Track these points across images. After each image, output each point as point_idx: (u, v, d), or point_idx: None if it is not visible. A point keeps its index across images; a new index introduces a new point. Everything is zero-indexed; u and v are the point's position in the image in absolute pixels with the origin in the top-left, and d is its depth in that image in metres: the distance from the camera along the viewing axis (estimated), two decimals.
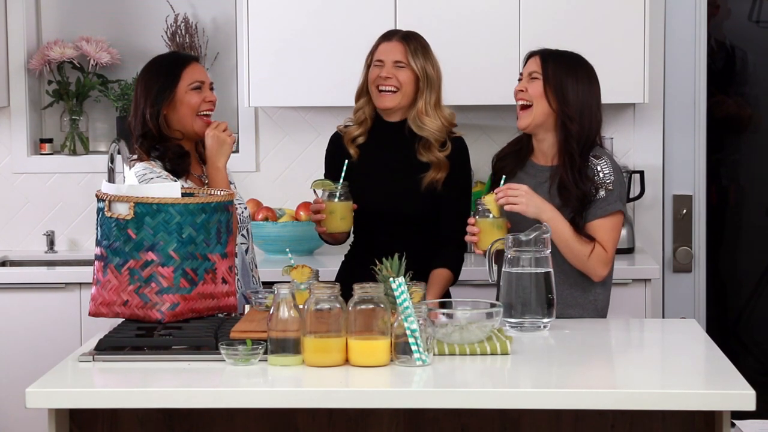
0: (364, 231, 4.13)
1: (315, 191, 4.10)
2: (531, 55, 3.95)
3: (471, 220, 3.81)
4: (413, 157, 4.09)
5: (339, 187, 3.97)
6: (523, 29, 4.96)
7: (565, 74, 3.87)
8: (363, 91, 4.14)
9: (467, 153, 4.17)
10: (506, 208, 3.76)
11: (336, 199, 3.96)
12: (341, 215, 3.97)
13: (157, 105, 3.93)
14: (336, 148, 4.17)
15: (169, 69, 3.99)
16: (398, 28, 4.88)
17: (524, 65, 3.97)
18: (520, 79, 3.95)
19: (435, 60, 4.12)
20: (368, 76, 4.11)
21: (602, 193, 3.84)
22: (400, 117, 4.11)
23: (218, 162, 3.96)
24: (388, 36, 4.12)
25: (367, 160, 4.10)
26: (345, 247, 4.31)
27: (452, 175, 4.10)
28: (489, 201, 3.76)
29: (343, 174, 3.98)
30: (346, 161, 4.02)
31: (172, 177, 3.89)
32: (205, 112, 3.99)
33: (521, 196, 3.76)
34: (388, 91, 4.05)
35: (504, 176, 3.87)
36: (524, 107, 3.90)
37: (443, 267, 4.09)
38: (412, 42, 4.09)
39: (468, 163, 4.17)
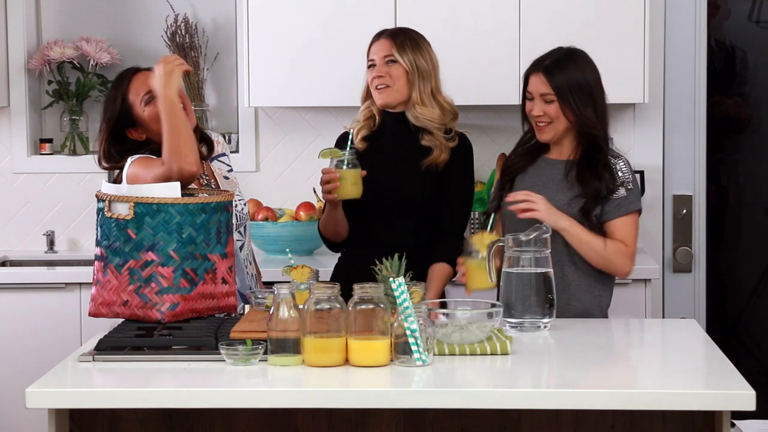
0: (362, 224, 4.13)
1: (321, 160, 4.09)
2: (533, 72, 3.95)
3: (460, 260, 3.83)
4: (416, 144, 4.11)
5: (348, 154, 3.97)
6: (523, 29, 4.96)
7: (575, 85, 3.91)
8: (367, 94, 4.19)
9: (471, 149, 4.20)
10: (526, 215, 3.77)
11: (346, 166, 3.97)
12: (352, 181, 3.97)
13: (126, 144, 3.80)
14: (340, 147, 4.17)
15: (114, 103, 3.81)
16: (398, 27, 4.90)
17: (525, 82, 3.99)
18: (529, 98, 3.96)
19: (427, 51, 4.15)
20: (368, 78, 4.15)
21: (622, 191, 3.89)
22: (402, 110, 4.13)
23: (165, 89, 3.65)
24: (378, 35, 4.17)
25: (372, 150, 4.12)
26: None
27: (455, 168, 4.12)
28: (477, 241, 3.74)
29: (349, 143, 4.00)
30: (351, 131, 4.04)
31: None
32: None
33: (540, 203, 3.79)
34: (383, 87, 4.09)
35: (492, 214, 3.87)
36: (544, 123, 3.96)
37: (443, 261, 4.09)
38: (399, 37, 4.13)
39: (471, 159, 4.19)
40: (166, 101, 3.65)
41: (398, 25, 4.87)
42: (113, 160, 3.86)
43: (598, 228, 3.88)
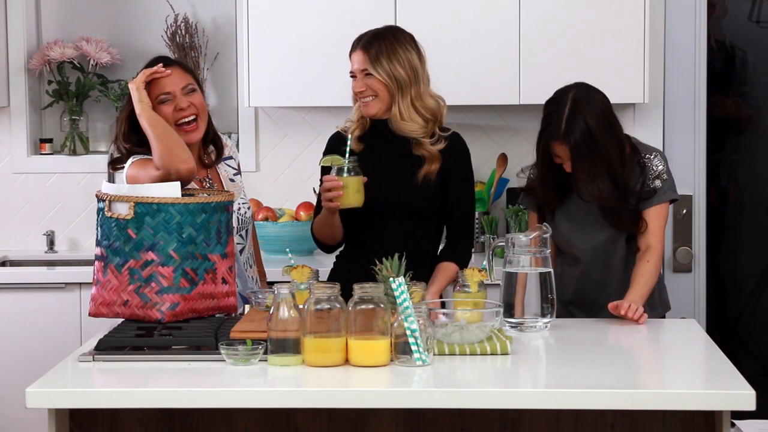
0: (359, 229, 4.12)
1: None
2: (555, 142, 3.91)
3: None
4: (408, 152, 4.08)
5: (350, 162, 3.93)
6: (523, 29, 4.96)
7: (595, 159, 3.91)
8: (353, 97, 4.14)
9: (465, 146, 4.13)
10: (641, 321, 3.81)
11: (348, 174, 3.92)
12: (355, 189, 3.92)
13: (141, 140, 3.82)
14: (335, 149, 4.13)
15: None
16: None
17: (547, 146, 3.94)
18: (554, 153, 3.95)
19: (405, 55, 4.02)
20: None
21: (658, 183, 4.03)
22: (388, 116, 4.10)
23: (137, 109, 3.77)
24: (354, 45, 4.08)
25: (366, 156, 4.08)
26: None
27: (453, 171, 4.09)
28: (469, 275, 3.72)
29: (348, 149, 3.95)
30: (349, 136, 4.00)
31: None
32: (183, 121, 3.87)
33: (639, 306, 3.84)
34: (368, 99, 4.04)
35: (489, 257, 3.87)
36: None
37: (450, 260, 4.09)
38: (374, 48, 4.02)
39: (467, 158, 4.14)
40: (141, 118, 3.75)
41: (398, 24, 4.87)
42: (131, 141, 3.85)
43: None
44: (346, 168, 3.92)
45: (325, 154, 4.16)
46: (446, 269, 4.07)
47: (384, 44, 4.04)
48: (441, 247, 4.17)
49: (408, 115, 4.03)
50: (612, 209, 3.97)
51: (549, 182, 4.02)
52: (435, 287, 4.00)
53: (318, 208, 4.13)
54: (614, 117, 3.98)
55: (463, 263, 4.10)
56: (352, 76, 4.07)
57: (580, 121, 3.88)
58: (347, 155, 3.93)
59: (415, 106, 4.03)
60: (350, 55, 4.08)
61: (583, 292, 4.04)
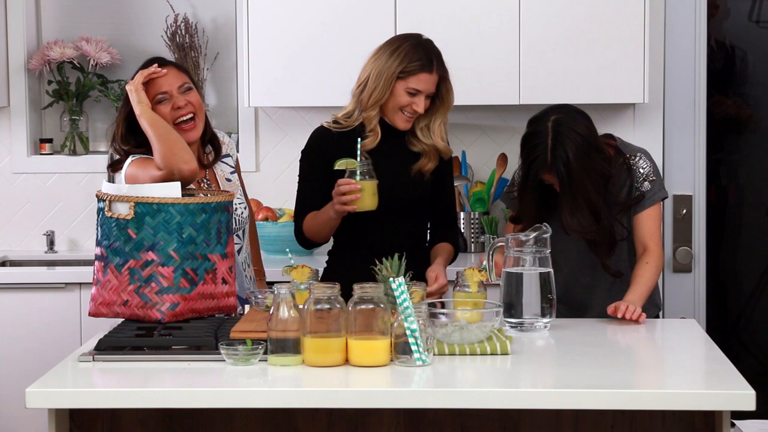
0: (354, 227, 4.10)
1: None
2: (545, 172, 3.89)
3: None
4: (405, 148, 4.08)
5: (365, 165, 3.89)
6: (523, 29, 4.96)
7: (575, 193, 3.89)
8: (380, 102, 4.01)
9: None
10: (640, 320, 3.79)
11: (363, 177, 3.87)
12: (372, 192, 3.89)
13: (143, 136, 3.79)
14: (323, 145, 4.06)
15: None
16: (398, 28, 4.89)
17: (536, 173, 3.91)
18: (544, 179, 3.93)
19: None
20: (395, 95, 3.99)
21: (647, 185, 3.99)
22: (418, 128, 4.10)
23: (136, 109, 3.76)
24: (428, 66, 3.97)
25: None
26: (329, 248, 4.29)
27: (440, 166, 4.10)
28: (469, 275, 3.72)
29: (359, 153, 3.92)
30: (359, 140, 3.96)
31: None
32: (181, 119, 3.87)
33: (638, 309, 3.82)
34: (414, 116, 4.02)
35: (489, 257, 3.84)
36: None
37: (445, 242, 4.14)
38: (445, 68, 4.01)
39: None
40: (141, 119, 3.75)
41: (398, 27, 4.88)
42: (129, 143, 3.84)
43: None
44: (361, 171, 3.88)
45: (309, 148, 4.10)
46: (444, 248, 4.12)
47: (443, 61, 4.04)
48: (430, 235, 4.19)
49: (445, 138, 4.07)
50: (594, 242, 3.95)
51: (541, 215, 3.98)
52: (441, 261, 4.03)
53: (301, 207, 4.10)
54: (594, 145, 3.91)
55: (457, 245, 4.16)
56: (411, 92, 3.97)
57: (561, 151, 3.85)
58: (358, 158, 3.89)
59: (444, 122, 4.08)
60: (418, 73, 3.96)
61: (571, 294, 4.03)
